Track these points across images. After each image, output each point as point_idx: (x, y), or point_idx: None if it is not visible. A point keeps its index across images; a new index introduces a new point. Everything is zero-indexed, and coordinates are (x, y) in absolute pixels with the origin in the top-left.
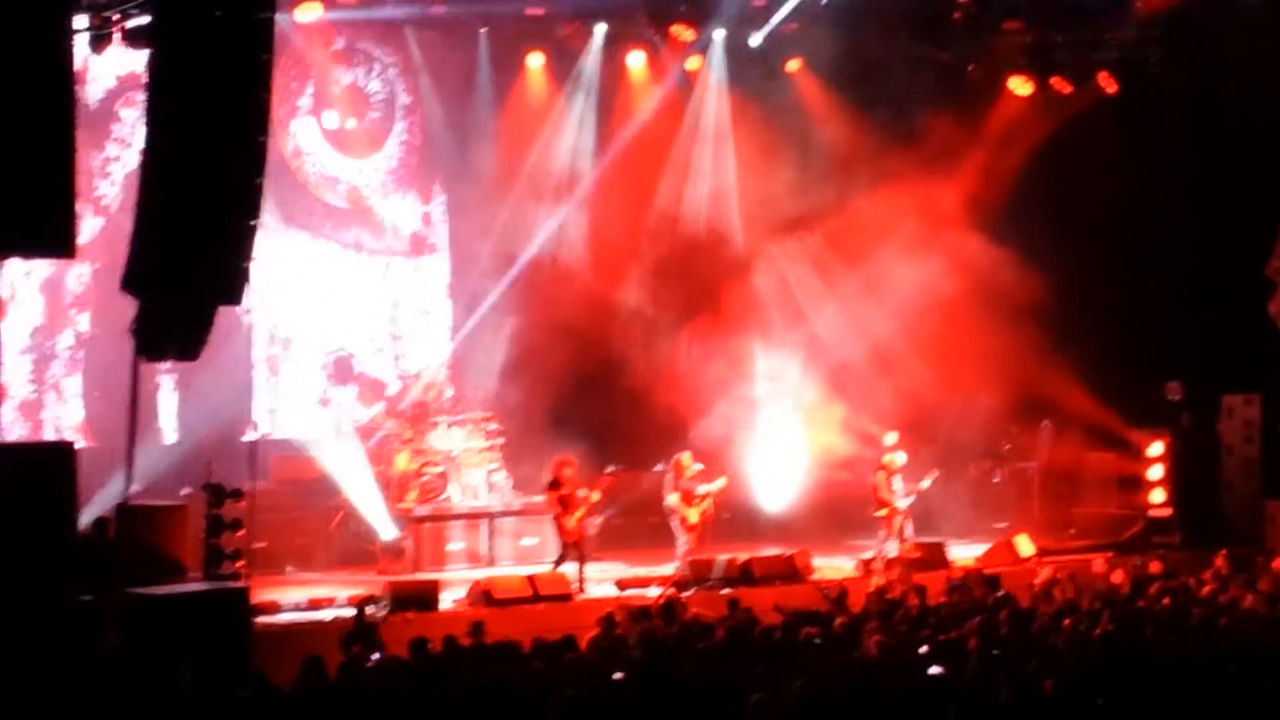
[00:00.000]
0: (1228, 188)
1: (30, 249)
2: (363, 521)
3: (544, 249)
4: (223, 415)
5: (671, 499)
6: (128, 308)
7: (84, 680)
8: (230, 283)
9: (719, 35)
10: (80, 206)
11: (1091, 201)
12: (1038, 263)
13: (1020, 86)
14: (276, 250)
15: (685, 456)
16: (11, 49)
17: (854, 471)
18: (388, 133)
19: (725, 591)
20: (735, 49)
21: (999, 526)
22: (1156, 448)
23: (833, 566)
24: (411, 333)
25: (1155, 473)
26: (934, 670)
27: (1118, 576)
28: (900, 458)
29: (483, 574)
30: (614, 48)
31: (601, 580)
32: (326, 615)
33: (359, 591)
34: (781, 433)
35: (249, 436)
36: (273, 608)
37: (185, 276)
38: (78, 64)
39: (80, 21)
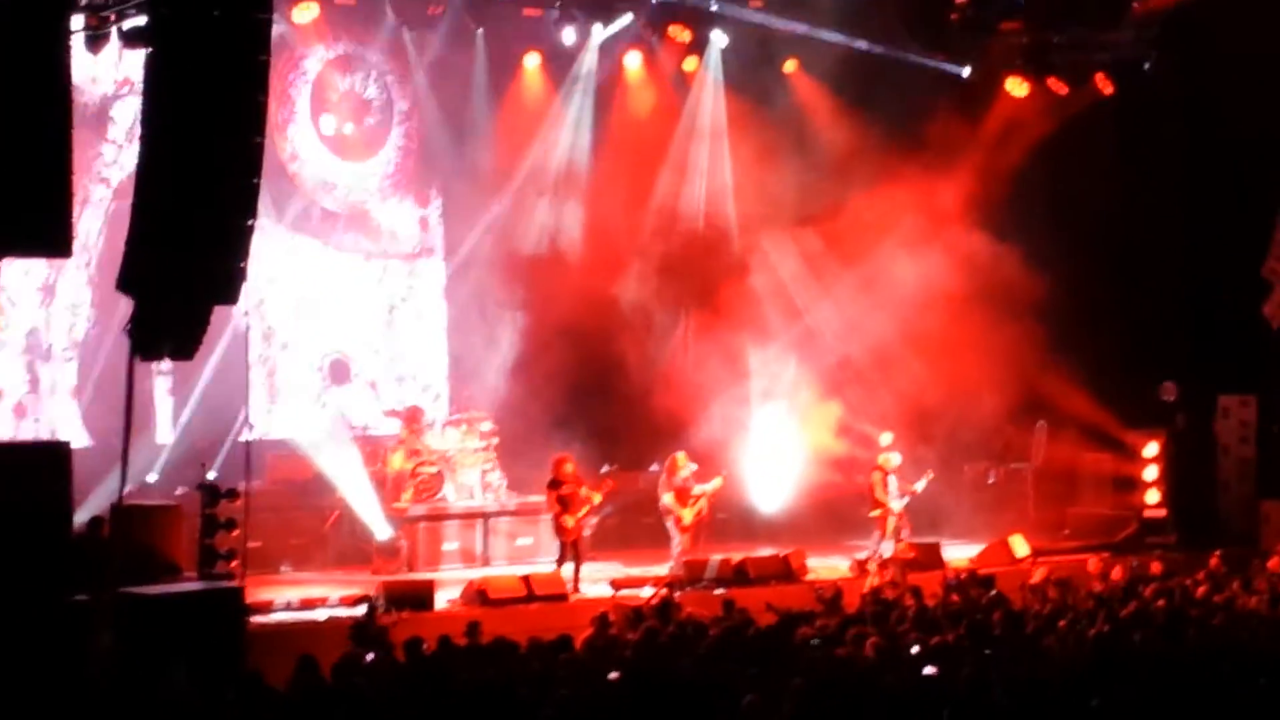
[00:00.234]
0: (1224, 189)
1: (27, 249)
2: (358, 521)
3: (540, 249)
4: (218, 416)
5: (666, 499)
6: (124, 307)
7: (78, 680)
8: (226, 283)
9: (716, 36)
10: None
11: (1088, 202)
12: (1033, 263)
13: (1017, 87)
14: (274, 253)
15: (680, 456)
16: (9, 49)
17: (849, 472)
18: (385, 137)
19: (719, 592)
20: (732, 50)
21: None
22: (1152, 448)
23: (827, 567)
24: (408, 335)
25: (1150, 473)
26: (928, 671)
27: (1117, 574)
28: (895, 458)
29: (478, 574)
30: (611, 48)
31: (596, 580)
32: (320, 615)
33: (352, 591)
34: (777, 433)
35: (244, 437)
36: (265, 607)
37: (181, 277)
38: (78, 65)
39: (77, 22)
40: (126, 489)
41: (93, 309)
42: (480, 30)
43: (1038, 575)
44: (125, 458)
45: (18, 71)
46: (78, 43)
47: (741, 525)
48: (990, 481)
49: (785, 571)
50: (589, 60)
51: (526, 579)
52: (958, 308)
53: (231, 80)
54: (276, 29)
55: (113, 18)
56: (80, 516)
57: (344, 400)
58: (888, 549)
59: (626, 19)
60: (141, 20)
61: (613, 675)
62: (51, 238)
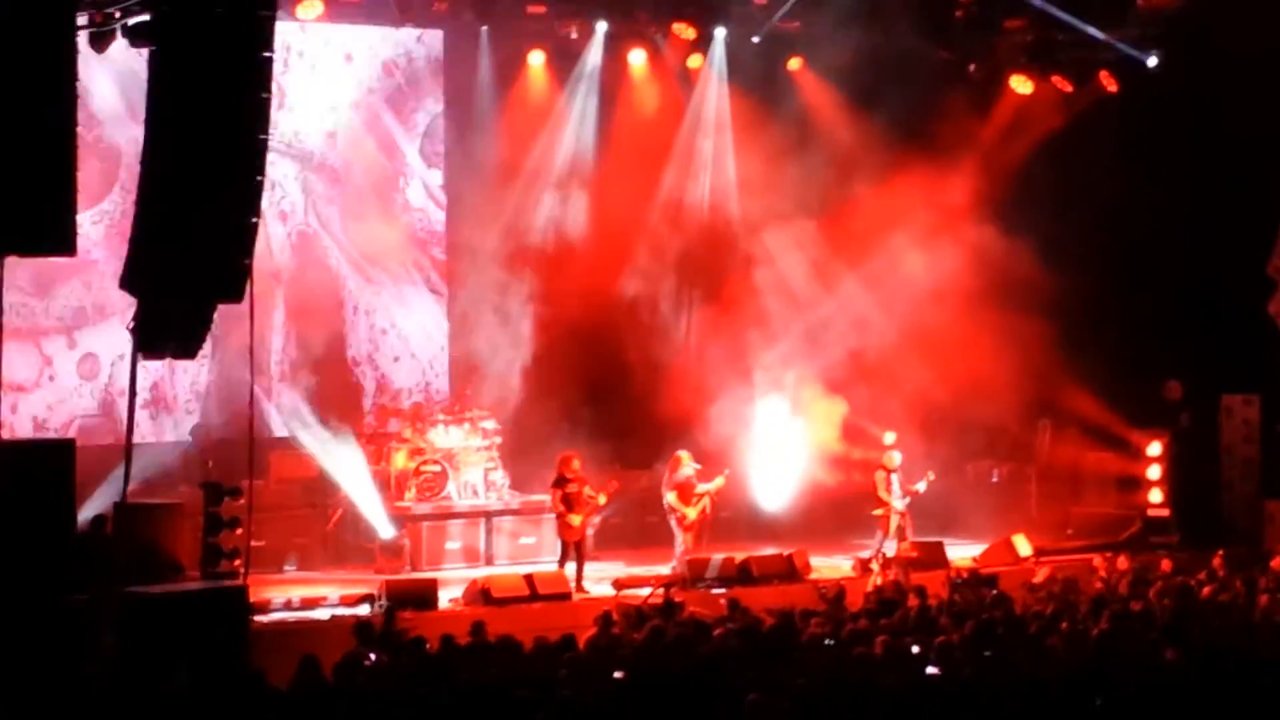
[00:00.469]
0: (1228, 187)
1: (32, 247)
2: (361, 520)
3: (545, 247)
4: (222, 413)
5: (669, 497)
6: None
7: (81, 679)
8: (230, 281)
9: (720, 33)
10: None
11: (1092, 200)
12: (1037, 262)
13: (1021, 85)
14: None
15: (683, 455)
16: (13, 47)
17: (852, 471)
18: None
19: (720, 591)
20: (736, 47)
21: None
22: (1155, 447)
23: (831, 566)
24: (410, 332)
25: (1154, 472)
26: (931, 670)
27: (1123, 563)
28: (898, 457)
29: (480, 573)
30: (615, 46)
31: (599, 580)
32: (322, 614)
33: (355, 591)
34: (781, 431)
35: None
36: (263, 606)
37: (185, 275)
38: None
39: (81, 19)
40: (129, 487)
41: None
42: (485, 28)
43: (1041, 575)
44: (128, 456)
45: (22, 69)
46: (82, 40)
47: (745, 524)
48: (993, 480)
49: (788, 571)
50: (593, 57)
51: (529, 578)
52: (961, 306)
53: (235, 78)
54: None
55: (117, 15)
56: (84, 514)
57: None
58: (891, 548)
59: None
60: (146, 17)
61: (617, 675)
62: (56, 235)
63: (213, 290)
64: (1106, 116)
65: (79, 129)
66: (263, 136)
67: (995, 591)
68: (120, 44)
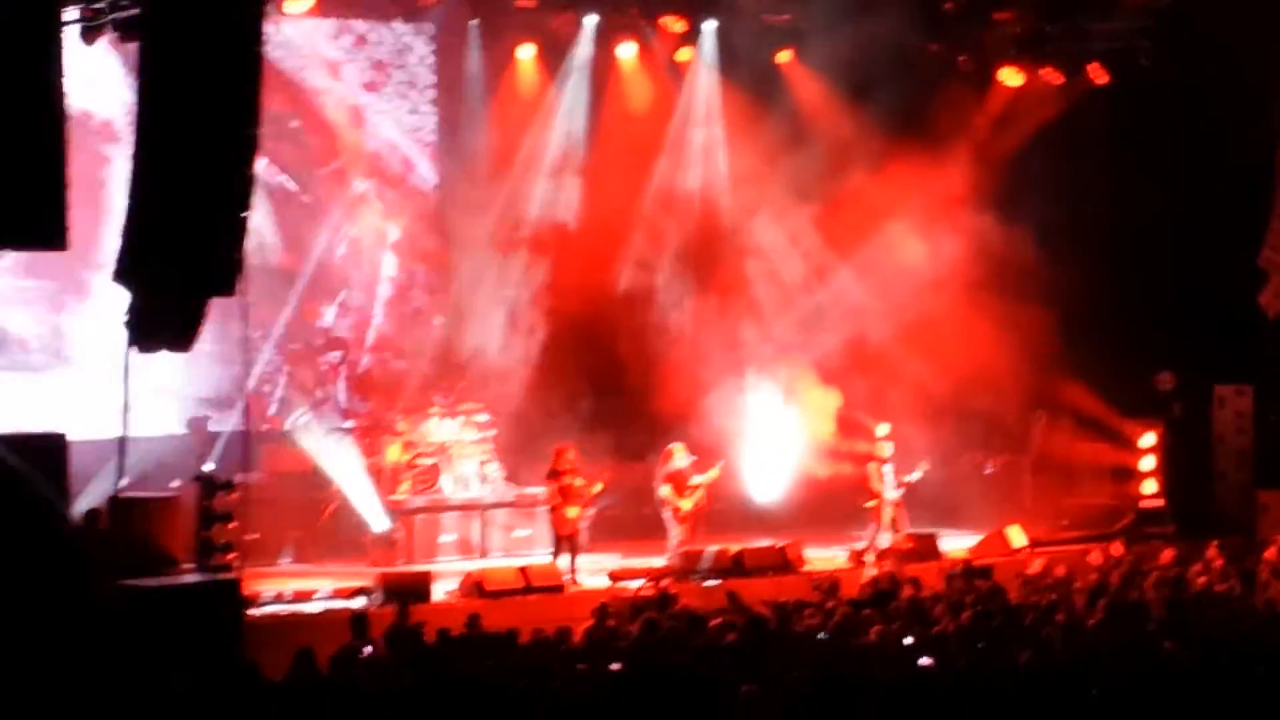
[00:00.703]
0: (1219, 178)
1: (23, 242)
2: (355, 513)
3: (536, 239)
4: (216, 407)
5: (663, 490)
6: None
7: (75, 673)
8: (223, 275)
9: (709, 26)
10: None
11: (1083, 192)
12: (1029, 254)
13: (1011, 77)
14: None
15: (676, 447)
16: (2, 41)
17: (846, 462)
18: None
19: (710, 583)
20: (726, 39)
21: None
22: (1149, 438)
23: (825, 558)
24: (402, 326)
25: (1147, 463)
26: (924, 661)
27: (1118, 554)
28: (890, 448)
29: (475, 565)
30: (605, 39)
31: (594, 572)
32: (317, 607)
33: (348, 584)
34: (775, 422)
35: (241, 428)
36: (253, 600)
37: (177, 269)
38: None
39: (71, 13)
40: (123, 481)
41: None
42: (475, 21)
43: (1035, 566)
44: (123, 450)
45: (11, 63)
46: (72, 34)
47: (739, 516)
48: (987, 472)
49: (782, 563)
50: (583, 50)
51: (524, 570)
52: (953, 298)
53: (226, 71)
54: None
55: (107, 9)
56: (77, 508)
57: (338, 389)
58: (885, 540)
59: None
60: (135, 11)
61: (614, 667)
62: (47, 231)
63: (205, 284)
64: (1097, 109)
65: None
66: (253, 130)
67: (990, 583)
68: None
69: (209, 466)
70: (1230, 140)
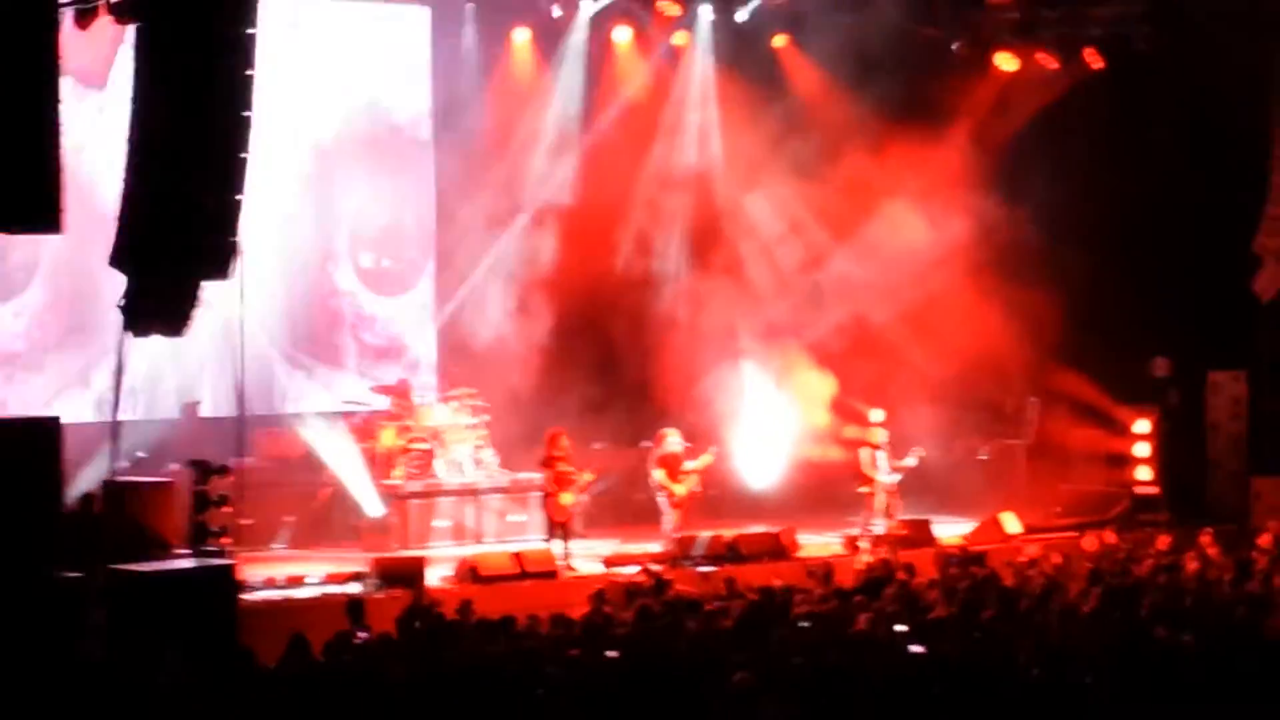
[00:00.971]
0: (1213, 163)
1: (17, 225)
2: (349, 498)
3: (531, 223)
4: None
5: (657, 475)
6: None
7: (69, 657)
8: (218, 259)
9: (705, 10)
10: None
11: (1077, 177)
12: (1023, 239)
13: (1006, 62)
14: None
15: (670, 431)
16: None
17: (840, 448)
18: None
19: (704, 569)
20: (721, 24)
21: None
22: (1143, 425)
23: (819, 544)
24: (396, 309)
25: (1142, 450)
26: (915, 649)
27: (1110, 536)
28: (884, 434)
29: (469, 550)
30: (600, 23)
31: (589, 557)
32: (311, 592)
33: (342, 569)
34: (769, 408)
35: (235, 413)
36: (243, 585)
37: (172, 252)
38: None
39: None
40: (118, 465)
41: None
42: (470, 5)
43: (1029, 552)
44: (116, 434)
45: (5, 46)
46: (66, 17)
47: (733, 501)
48: (981, 458)
49: (777, 548)
50: (579, 35)
51: (518, 556)
52: (947, 283)
53: (220, 55)
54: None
55: None
56: (72, 492)
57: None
58: (879, 526)
59: None
60: None
61: (612, 653)
62: (41, 215)
63: (201, 268)
64: (1093, 93)
65: None
66: (248, 113)
67: (985, 569)
68: None
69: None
70: (1226, 125)
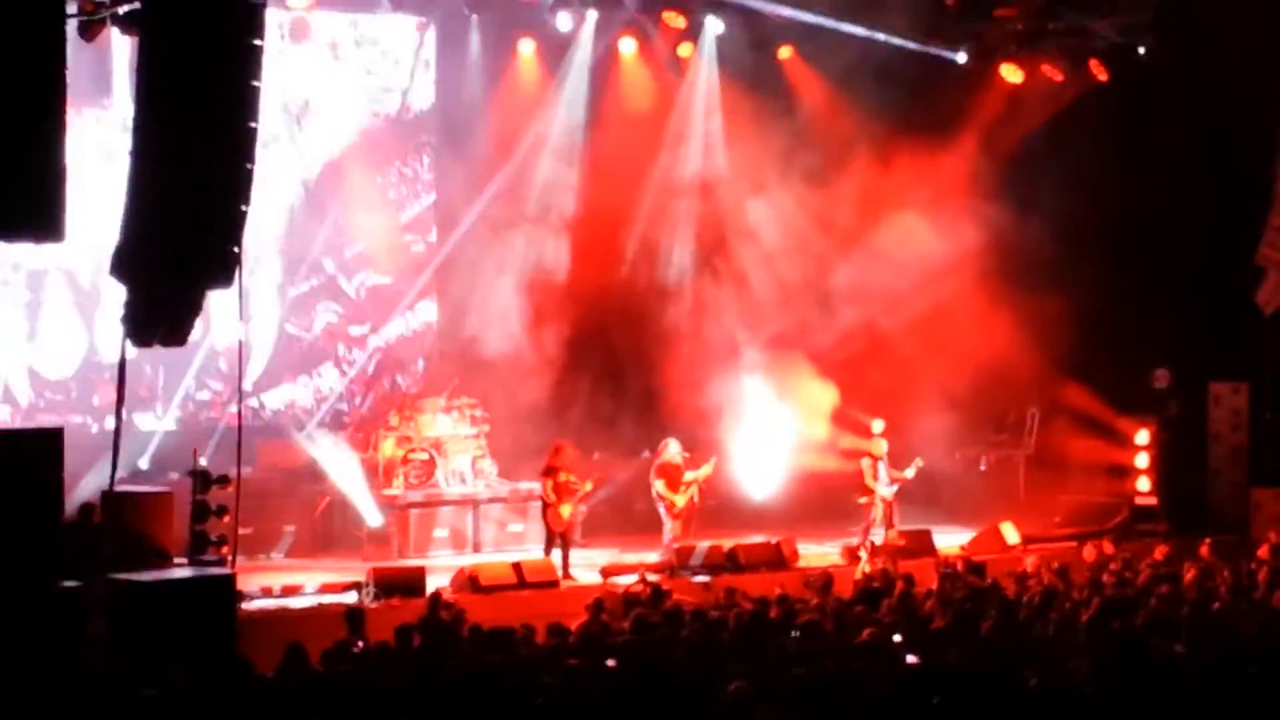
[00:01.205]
0: (1216, 175)
1: (21, 234)
2: (349, 508)
3: (535, 234)
4: (210, 401)
5: (658, 485)
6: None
7: (69, 667)
8: (220, 267)
9: (710, 21)
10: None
11: (1079, 189)
12: (1026, 249)
13: (1012, 74)
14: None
15: (670, 442)
16: (4, 34)
17: (840, 458)
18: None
19: (699, 579)
20: (727, 35)
21: None
22: (1143, 435)
23: (819, 554)
24: (398, 318)
25: (1142, 460)
26: (911, 659)
27: (1108, 547)
28: (885, 445)
29: (468, 560)
30: (605, 34)
31: (587, 567)
32: (309, 602)
33: (340, 579)
34: (769, 418)
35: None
36: (240, 595)
37: (174, 261)
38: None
39: (70, 7)
40: (118, 475)
41: None
42: (474, 16)
43: (1029, 563)
44: (117, 444)
45: (12, 57)
46: (71, 28)
47: (733, 511)
48: (982, 468)
49: (776, 558)
50: (584, 46)
51: (517, 565)
52: (949, 293)
53: (226, 65)
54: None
55: (108, 3)
56: (71, 502)
57: (333, 382)
58: (879, 536)
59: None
60: (135, 5)
61: (610, 663)
62: (46, 224)
63: (203, 277)
64: (1096, 105)
65: None
66: (253, 124)
67: (984, 580)
68: None
69: (203, 460)
70: (1229, 137)
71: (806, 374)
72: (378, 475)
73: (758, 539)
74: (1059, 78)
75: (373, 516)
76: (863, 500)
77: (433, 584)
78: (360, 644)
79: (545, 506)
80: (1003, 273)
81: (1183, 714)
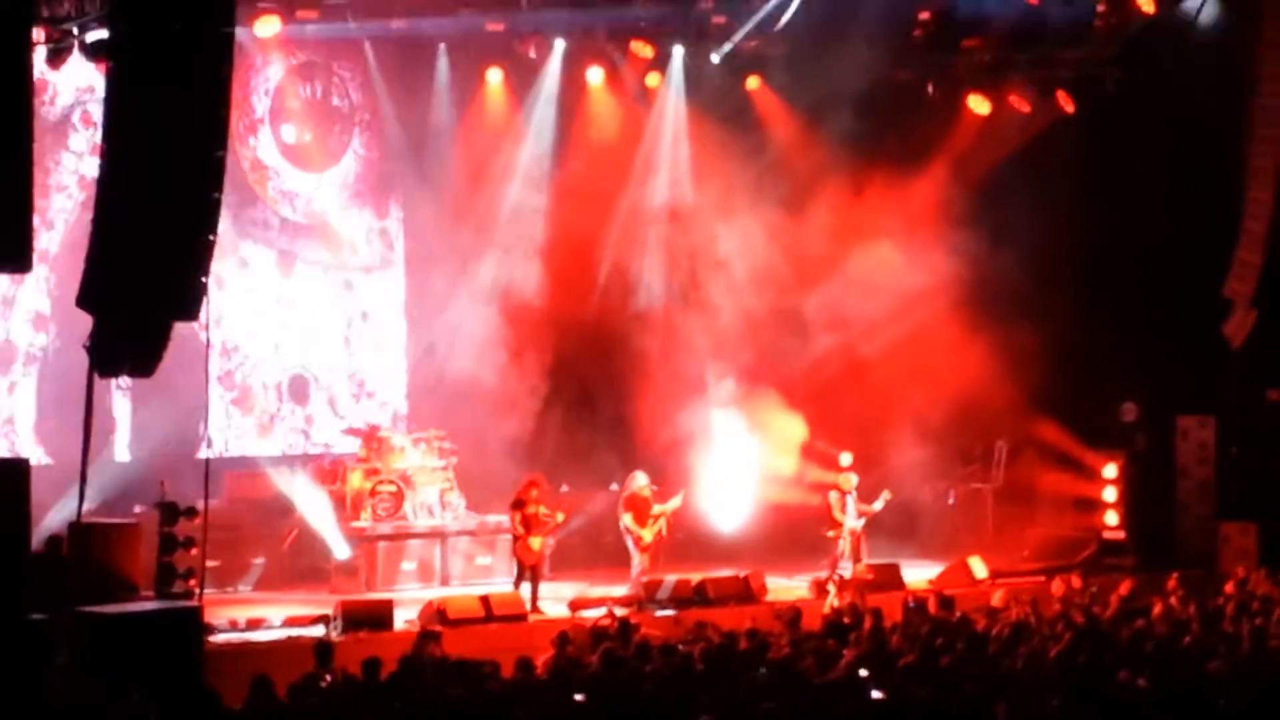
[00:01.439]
0: (1183, 207)
1: None
2: (316, 540)
3: (503, 263)
4: (177, 433)
5: (625, 519)
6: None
7: (36, 699)
8: (187, 298)
9: (678, 52)
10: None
11: (1049, 220)
12: (992, 282)
13: (979, 105)
14: (231, 264)
15: (638, 475)
16: None
17: (809, 492)
18: (345, 147)
19: (662, 614)
20: (694, 66)
21: None
22: (1111, 469)
23: (787, 588)
24: (368, 350)
25: (1110, 494)
26: (876, 694)
27: (1076, 581)
28: (853, 479)
29: (436, 593)
30: (573, 64)
31: (555, 600)
32: (276, 635)
33: (305, 612)
34: (737, 451)
35: (203, 454)
36: (207, 628)
37: (141, 292)
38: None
39: (38, 35)
40: (84, 507)
41: (53, 322)
42: (443, 45)
43: (998, 597)
44: (84, 475)
45: None
46: (38, 57)
47: (701, 545)
48: (950, 502)
49: (745, 592)
50: (552, 75)
51: (485, 599)
52: (916, 326)
53: (193, 94)
54: (238, 38)
55: (74, 31)
56: (38, 535)
57: (302, 418)
58: (846, 570)
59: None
60: (103, 34)
61: (578, 697)
62: (11, 253)
63: (170, 308)
64: (1063, 138)
65: None
66: (220, 153)
67: (952, 614)
68: None
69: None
70: (1197, 170)
71: (775, 406)
72: (346, 508)
73: (726, 573)
74: (1026, 109)
75: (341, 549)
76: (830, 534)
77: (401, 617)
78: (329, 677)
79: (515, 539)
80: (971, 304)
81: None
